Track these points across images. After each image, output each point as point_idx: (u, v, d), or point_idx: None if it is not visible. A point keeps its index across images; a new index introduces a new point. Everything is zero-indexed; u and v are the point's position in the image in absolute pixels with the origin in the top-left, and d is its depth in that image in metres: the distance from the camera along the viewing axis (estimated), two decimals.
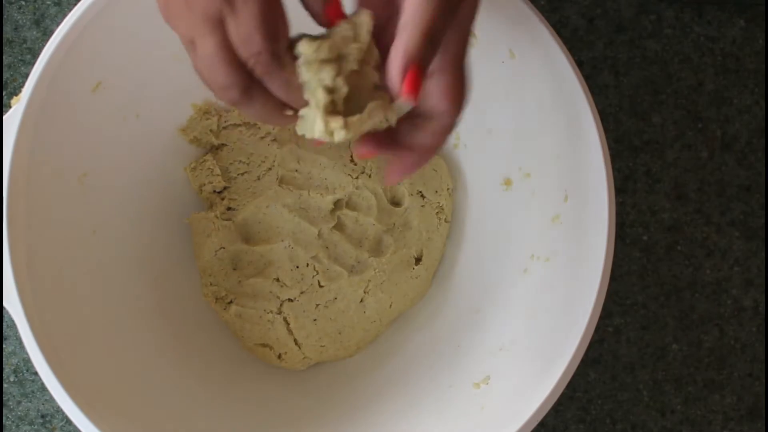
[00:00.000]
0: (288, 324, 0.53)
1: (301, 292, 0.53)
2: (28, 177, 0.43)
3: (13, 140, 0.42)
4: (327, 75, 0.32)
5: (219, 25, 0.30)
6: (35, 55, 0.58)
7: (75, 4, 0.44)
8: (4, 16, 0.58)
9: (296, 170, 0.54)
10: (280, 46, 0.31)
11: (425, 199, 0.55)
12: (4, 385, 0.57)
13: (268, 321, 0.53)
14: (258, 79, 0.32)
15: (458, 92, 0.33)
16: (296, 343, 0.53)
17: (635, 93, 0.59)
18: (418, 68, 0.31)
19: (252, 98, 0.32)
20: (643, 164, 0.59)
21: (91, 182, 0.48)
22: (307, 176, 0.54)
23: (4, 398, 0.57)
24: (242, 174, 0.54)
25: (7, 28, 0.58)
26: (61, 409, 0.43)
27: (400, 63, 0.31)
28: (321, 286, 0.53)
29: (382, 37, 0.33)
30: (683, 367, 0.58)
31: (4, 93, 0.58)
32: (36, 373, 0.57)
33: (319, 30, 0.33)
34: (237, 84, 0.31)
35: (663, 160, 0.59)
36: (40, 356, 0.41)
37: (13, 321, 0.54)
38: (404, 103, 0.32)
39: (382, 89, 0.33)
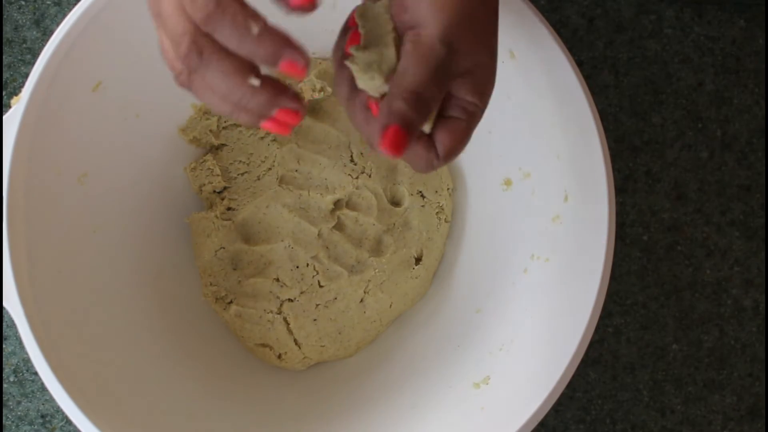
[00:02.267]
0: (288, 324, 0.53)
1: (301, 292, 0.53)
2: (28, 177, 0.43)
3: (13, 140, 0.42)
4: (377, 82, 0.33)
5: None
6: (35, 55, 0.58)
7: (75, 4, 0.44)
8: (4, 16, 0.58)
9: (296, 170, 0.54)
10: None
11: (425, 199, 0.55)
12: (4, 385, 0.57)
13: (268, 321, 0.53)
14: (208, 36, 0.30)
15: (456, 147, 0.34)
16: (296, 343, 0.53)
17: (635, 93, 0.59)
18: (400, 129, 0.31)
19: (203, 58, 0.30)
20: (643, 164, 0.59)
21: (91, 182, 0.48)
22: (307, 176, 0.54)
23: (4, 398, 0.57)
24: (242, 174, 0.54)
25: (7, 28, 0.58)
26: (61, 409, 0.43)
27: (384, 121, 0.31)
28: (321, 286, 0.53)
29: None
30: (683, 367, 0.58)
31: (4, 93, 0.58)
32: (36, 373, 0.57)
33: None
34: (188, 32, 0.30)
35: (663, 160, 0.59)
36: (40, 356, 0.41)
37: (13, 321, 0.54)
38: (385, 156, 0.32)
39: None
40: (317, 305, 0.53)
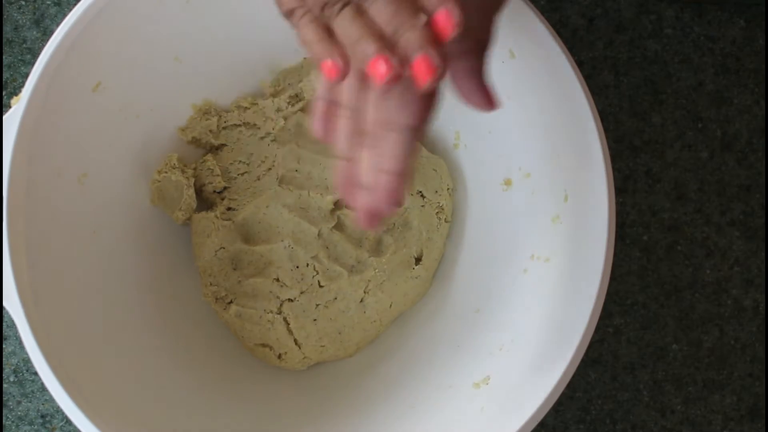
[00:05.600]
0: (288, 324, 0.53)
1: (301, 292, 0.53)
2: (28, 177, 0.43)
3: (13, 140, 0.42)
4: None
5: None
6: (35, 55, 0.58)
7: (75, 4, 0.44)
8: (4, 16, 0.58)
9: (296, 170, 0.54)
10: None
11: (425, 199, 0.55)
12: (4, 385, 0.57)
13: (268, 321, 0.53)
14: None
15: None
16: (296, 343, 0.53)
17: (635, 93, 0.59)
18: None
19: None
20: (643, 164, 0.59)
21: (91, 182, 0.48)
22: (307, 176, 0.54)
23: (4, 398, 0.57)
24: (242, 174, 0.54)
25: (7, 28, 0.58)
26: (61, 409, 0.43)
27: None
28: (321, 286, 0.53)
29: None
30: (683, 367, 0.58)
31: (4, 93, 0.58)
32: (36, 373, 0.57)
33: None
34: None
35: (663, 160, 0.59)
36: (40, 356, 0.41)
37: (13, 321, 0.54)
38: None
39: None
40: (317, 305, 0.53)
